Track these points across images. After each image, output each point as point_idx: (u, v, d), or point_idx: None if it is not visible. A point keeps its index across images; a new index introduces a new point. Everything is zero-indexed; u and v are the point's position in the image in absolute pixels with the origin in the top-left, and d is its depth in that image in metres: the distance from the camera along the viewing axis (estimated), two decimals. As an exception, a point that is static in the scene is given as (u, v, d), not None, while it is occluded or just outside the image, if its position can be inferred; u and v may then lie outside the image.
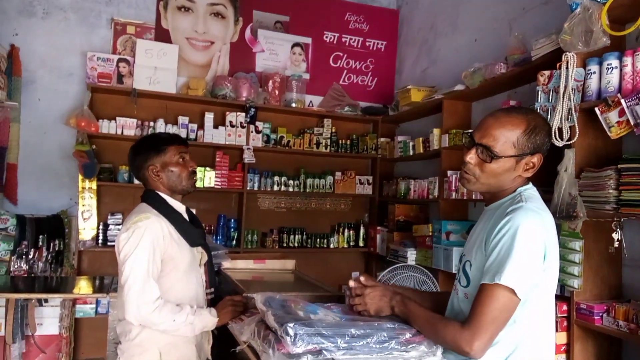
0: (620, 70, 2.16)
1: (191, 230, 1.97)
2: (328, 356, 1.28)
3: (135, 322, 1.78)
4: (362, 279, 1.57)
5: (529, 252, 1.29)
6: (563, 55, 2.32)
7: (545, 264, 1.33)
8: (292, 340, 1.27)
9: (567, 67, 2.30)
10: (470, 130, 3.37)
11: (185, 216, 2.02)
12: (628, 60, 2.13)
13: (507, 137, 1.38)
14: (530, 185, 1.46)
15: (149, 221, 1.83)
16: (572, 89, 2.29)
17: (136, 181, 3.97)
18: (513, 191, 1.43)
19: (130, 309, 1.74)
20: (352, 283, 1.58)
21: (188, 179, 2.00)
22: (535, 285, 1.32)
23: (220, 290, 2.17)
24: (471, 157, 1.42)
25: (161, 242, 1.83)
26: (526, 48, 2.87)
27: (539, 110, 2.44)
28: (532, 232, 1.30)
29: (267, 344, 1.36)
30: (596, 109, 2.17)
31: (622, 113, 2.07)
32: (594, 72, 2.25)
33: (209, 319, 1.87)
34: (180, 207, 2.00)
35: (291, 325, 1.29)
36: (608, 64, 2.19)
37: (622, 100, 2.06)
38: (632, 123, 2.04)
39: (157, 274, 1.82)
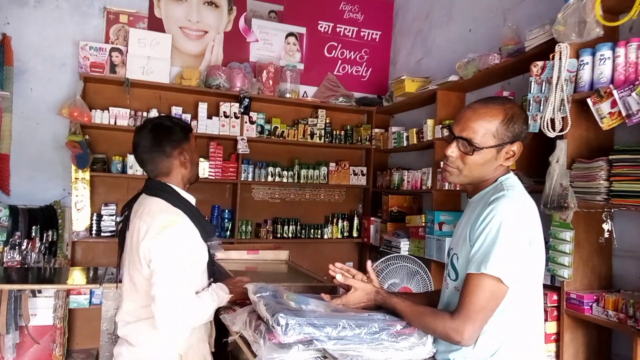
0: (613, 61, 2.16)
1: (207, 225, 1.88)
2: (319, 346, 1.29)
3: (171, 332, 1.69)
4: (339, 277, 1.58)
5: (514, 240, 1.30)
6: (556, 46, 2.32)
7: (530, 251, 1.34)
8: (283, 330, 1.27)
9: (560, 58, 2.30)
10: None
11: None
12: (621, 51, 2.13)
13: (486, 128, 1.39)
14: (511, 174, 1.47)
15: (180, 225, 1.71)
16: (564, 79, 2.29)
17: (129, 171, 3.97)
18: (494, 181, 1.45)
19: (166, 323, 1.63)
20: (339, 277, 1.59)
21: (197, 168, 1.95)
22: (522, 272, 1.33)
23: (216, 281, 2.16)
24: (452, 150, 1.44)
25: (191, 245, 1.74)
26: (520, 39, 2.87)
27: (531, 101, 2.45)
28: (516, 220, 1.32)
29: (258, 334, 1.37)
30: (588, 100, 2.18)
31: (614, 104, 2.07)
32: (587, 63, 2.25)
33: (224, 297, 1.83)
34: (192, 200, 1.89)
35: (282, 315, 1.30)
36: (601, 55, 2.19)
37: (614, 91, 2.06)
38: (623, 114, 2.04)
39: (190, 278, 1.73)
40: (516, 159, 1.44)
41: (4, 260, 3.30)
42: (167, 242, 1.66)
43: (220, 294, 1.82)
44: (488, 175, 1.45)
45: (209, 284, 2.00)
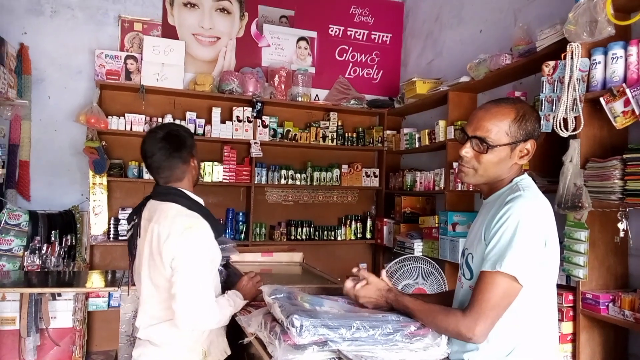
0: (626, 59, 2.15)
1: (217, 224, 1.93)
2: (333, 347, 1.30)
3: (191, 329, 1.77)
4: (354, 270, 1.62)
5: (530, 240, 1.31)
6: (568, 46, 2.31)
7: (546, 251, 1.35)
8: (298, 331, 1.28)
9: (571, 58, 2.29)
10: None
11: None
12: (633, 49, 2.12)
13: (499, 127, 1.41)
14: (526, 175, 1.49)
15: (200, 227, 1.78)
16: (577, 79, 2.28)
17: (146, 176, 4.02)
18: (510, 181, 1.46)
19: (186, 320, 1.71)
20: (348, 283, 1.62)
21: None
22: (537, 273, 1.33)
23: (229, 283, 2.19)
24: (467, 150, 1.45)
25: (210, 245, 1.81)
26: (531, 39, 2.86)
27: (544, 101, 2.44)
28: (533, 220, 1.32)
29: (273, 335, 1.38)
30: (601, 99, 2.17)
31: (627, 103, 2.07)
32: (599, 62, 2.24)
33: (240, 303, 1.88)
34: (202, 202, 1.94)
35: (297, 316, 1.30)
36: (613, 54, 2.19)
37: (627, 90, 2.05)
38: (637, 113, 2.03)
39: (209, 277, 1.79)
40: (530, 157, 1.45)
41: (25, 264, 3.37)
42: (189, 242, 1.73)
43: (237, 301, 1.87)
44: (503, 175, 1.46)
45: (224, 291, 2.06)
